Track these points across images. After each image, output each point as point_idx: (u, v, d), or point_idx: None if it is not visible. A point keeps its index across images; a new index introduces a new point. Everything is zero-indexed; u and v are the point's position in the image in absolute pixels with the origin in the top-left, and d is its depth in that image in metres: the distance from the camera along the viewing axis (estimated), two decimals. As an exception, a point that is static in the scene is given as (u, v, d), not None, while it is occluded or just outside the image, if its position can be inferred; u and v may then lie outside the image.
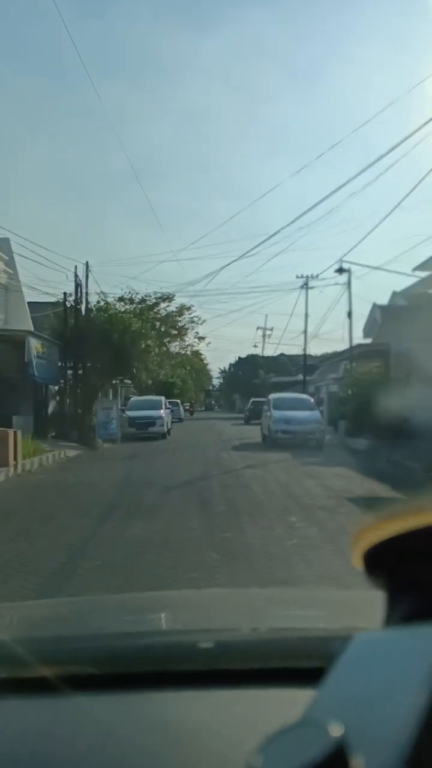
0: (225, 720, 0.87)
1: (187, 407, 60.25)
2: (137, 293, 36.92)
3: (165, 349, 46.62)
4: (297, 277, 34.56)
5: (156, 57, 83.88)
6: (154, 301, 42.86)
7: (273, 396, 23.21)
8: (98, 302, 25.98)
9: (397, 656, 0.65)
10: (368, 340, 30.47)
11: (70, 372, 24.38)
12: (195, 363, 67.12)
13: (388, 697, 0.58)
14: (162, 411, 25.79)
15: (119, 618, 1.56)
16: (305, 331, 35.31)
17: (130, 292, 33.73)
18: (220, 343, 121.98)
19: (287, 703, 0.74)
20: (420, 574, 0.75)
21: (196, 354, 59.37)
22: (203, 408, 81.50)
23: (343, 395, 20.82)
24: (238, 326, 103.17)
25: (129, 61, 78.76)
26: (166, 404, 27.15)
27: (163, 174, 61.15)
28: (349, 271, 26.47)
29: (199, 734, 0.82)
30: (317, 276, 34.42)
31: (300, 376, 43.50)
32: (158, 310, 44.40)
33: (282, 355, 55.75)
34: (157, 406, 26.04)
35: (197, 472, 13.45)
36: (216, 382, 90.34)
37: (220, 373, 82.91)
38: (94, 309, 25.30)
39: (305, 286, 34.44)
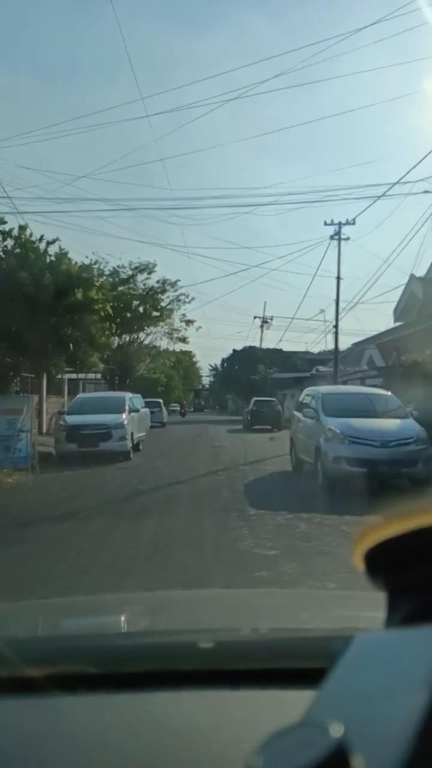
0: (225, 720, 0.87)
1: (178, 408, 54.31)
2: (107, 261, 27.07)
3: (146, 335, 37.04)
4: (325, 224, 24.31)
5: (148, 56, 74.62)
6: (129, 272, 33.83)
7: (321, 390, 12.52)
8: (3, 220, 14.81)
9: (397, 657, 0.66)
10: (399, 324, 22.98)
11: None
12: (182, 358, 57.82)
13: (388, 698, 0.58)
14: (124, 415, 15.50)
15: (119, 618, 1.56)
16: (337, 300, 25.09)
17: (97, 260, 23.08)
18: (212, 342, 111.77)
19: (288, 704, 0.75)
20: (420, 574, 0.74)
21: (185, 349, 49.38)
22: (192, 409, 72.49)
23: None
24: (233, 313, 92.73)
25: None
26: (130, 404, 16.67)
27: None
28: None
29: (199, 734, 0.83)
30: (353, 221, 24.20)
31: (315, 370, 34.14)
32: (134, 284, 34.84)
33: (280, 351, 46.53)
34: (116, 407, 15.80)
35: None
36: (205, 381, 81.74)
37: (210, 370, 73.65)
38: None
39: (337, 236, 24.17)
